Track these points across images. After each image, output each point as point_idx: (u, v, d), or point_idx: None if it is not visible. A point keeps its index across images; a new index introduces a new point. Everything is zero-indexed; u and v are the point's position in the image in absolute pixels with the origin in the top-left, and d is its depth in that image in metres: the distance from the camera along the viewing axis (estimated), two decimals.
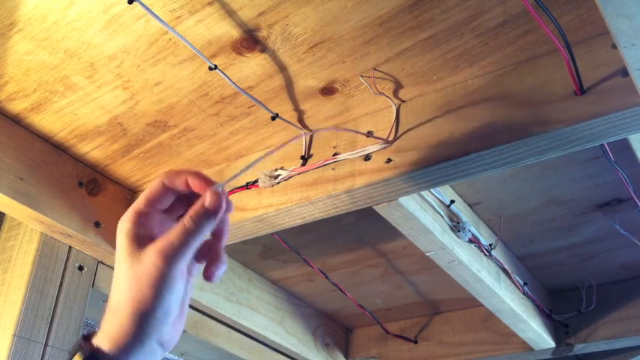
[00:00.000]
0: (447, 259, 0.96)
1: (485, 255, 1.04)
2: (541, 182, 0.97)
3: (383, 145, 0.77)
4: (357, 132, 0.81)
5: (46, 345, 0.86)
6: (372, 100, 0.80)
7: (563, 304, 1.28)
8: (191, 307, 1.14)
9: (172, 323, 0.56)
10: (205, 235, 0.59)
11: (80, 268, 0.94)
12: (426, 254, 0.95)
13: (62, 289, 0.91)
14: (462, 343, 1.37)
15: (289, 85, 0.78)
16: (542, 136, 0.68)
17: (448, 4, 0.66)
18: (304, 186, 0.81)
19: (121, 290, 0.56)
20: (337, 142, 0.82)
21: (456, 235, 0.95)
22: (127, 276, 0.56)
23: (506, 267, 1.09)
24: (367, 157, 0.78)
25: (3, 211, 0.87)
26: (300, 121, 0.85)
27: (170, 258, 0.56)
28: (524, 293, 1.16)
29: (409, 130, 0.77)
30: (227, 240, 0.62)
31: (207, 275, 0.58)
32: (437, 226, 0.90)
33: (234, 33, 0.71)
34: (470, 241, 0.98)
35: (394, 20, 0.69)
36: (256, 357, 1.29)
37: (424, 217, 0.86)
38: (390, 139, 0.77)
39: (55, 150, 0.90)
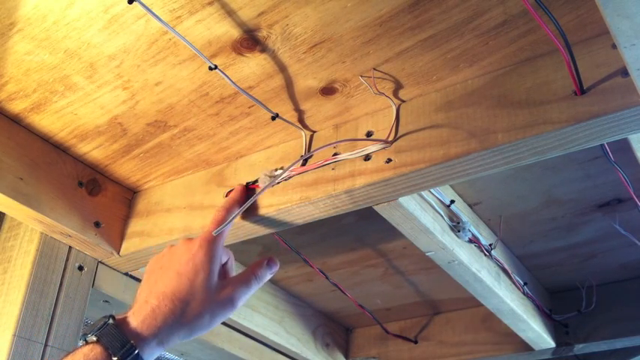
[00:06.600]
0: (447, 259, 0.96)
1: (485, 255, 1.04)
2: (541, 182, 0.97)
3: (383, 145, 0.77)
4: (356, 139, 0.81)
5: (46, 345, 0.86)
6: (372, 100, 0.80)
7: (563, 304, 1.28)
8: None
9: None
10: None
11: (80, 268, 0.94)
12: (426, 254, 0.95)
13: (62, 289, 0.91)
14: (462, 343, 1.37)
15: (289, 85, 0.78)
16: (542, 136, 0.67)
17: (448, 4, 0.66)
18: (304, 186, 0.81)
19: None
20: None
21: (456, 235, 0.95)
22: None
23: (506, 267, 1.09)
24: (367, 157, 0.78)
25: (3, 211, 0.86)
26: (300, 121, 0.85)
27: (209, 241, 0.75)
28: (524, 293, 1.15)
29: (409, 130, 0.77)
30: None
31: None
32: (437, 226, 0.90)
33: (234, 33, 0.71)
34: (470, 241, 0.98)
35: (394, 20, 0.69)
36: (256, 357, 1.29)
37: (424, 217, 0.86)
38: (390, 139, 0.77)
39: (55, 150, 0.90)
